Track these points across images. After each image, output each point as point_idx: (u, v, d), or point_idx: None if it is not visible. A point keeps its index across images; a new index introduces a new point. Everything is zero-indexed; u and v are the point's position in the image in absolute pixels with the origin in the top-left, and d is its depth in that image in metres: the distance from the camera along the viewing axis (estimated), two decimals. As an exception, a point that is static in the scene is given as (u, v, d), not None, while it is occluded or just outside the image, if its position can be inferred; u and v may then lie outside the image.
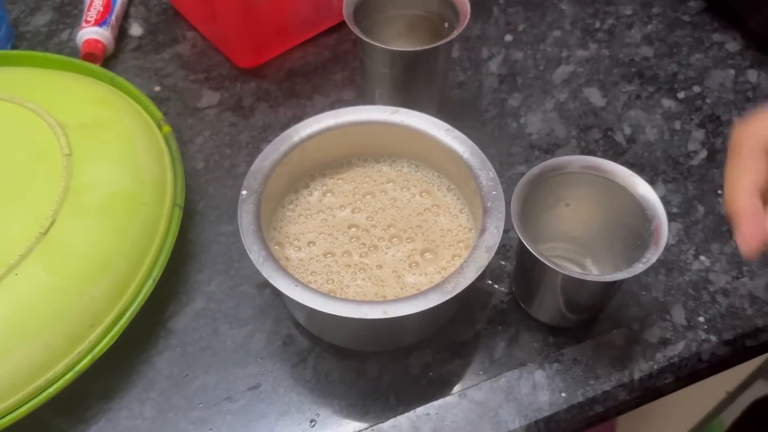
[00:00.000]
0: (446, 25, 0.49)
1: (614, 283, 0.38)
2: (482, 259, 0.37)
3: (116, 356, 0.41)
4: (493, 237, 0.38)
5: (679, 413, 0.86)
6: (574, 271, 0.37)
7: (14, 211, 0.41)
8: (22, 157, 0.43)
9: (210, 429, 0.39)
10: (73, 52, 0.58)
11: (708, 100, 0.55)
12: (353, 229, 0.43)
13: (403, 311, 0.35)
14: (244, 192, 0.40)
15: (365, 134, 0.44)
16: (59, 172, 0.42)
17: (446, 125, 0.43)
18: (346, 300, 0.36)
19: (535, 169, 0.40)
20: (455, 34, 0.45)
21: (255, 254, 0.37)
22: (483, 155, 0.42)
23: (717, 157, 0.52)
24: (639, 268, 0.36)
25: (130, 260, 0.41)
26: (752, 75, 0.57)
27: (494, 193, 0.40)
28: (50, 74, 0.51)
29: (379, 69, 0.48)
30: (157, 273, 0.42)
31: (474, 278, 0.36)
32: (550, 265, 0.36)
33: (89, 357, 0.39)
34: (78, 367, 0.38)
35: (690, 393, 0.82)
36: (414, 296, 0.36)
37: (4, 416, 0.37)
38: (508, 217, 0.38)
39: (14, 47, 0.58)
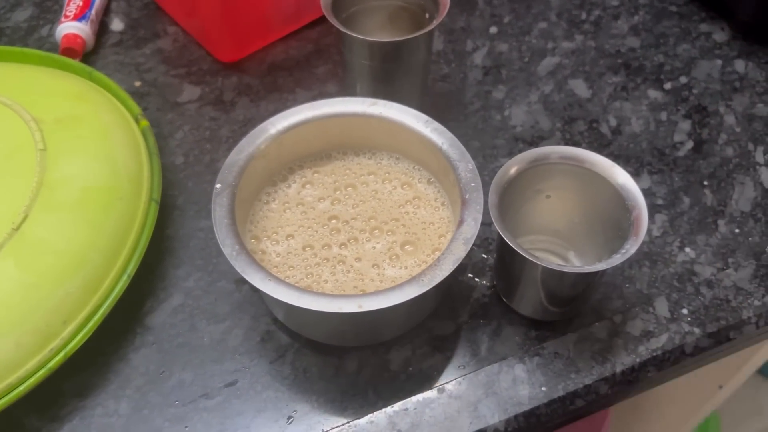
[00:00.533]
0: (427, 15, 0.48)
1: (595, 274, 0.38)
2: (459, 251, 0.37)
3: (91, 353, 0.40)
4: (471, 229, 0.37)
5: (672, 408, 0.86)
6: (552, 263, 0.36)
7: (-14, 207, 0.40)
8: (-5, 153, 0.43)
9: (186, 426, 0.39)
10: (54, 47, 0.57)
11: (695, 91, 0.55)
12: (333, 221, 0.42)
13: (378, 305, 0.35)
14: (218, 185, 0.39)
15: (344, 126, 0.44)
16: (33, 167, 0.41)
17: (425, 117, 0.43)
18: (320, 294, 0.36)
19: (514, 160, 0.39)
20: (434, 24, 0.45)
21: (228, 248, 0.37)
22: (462, 147, 0.41)
23: (703, 148, 0.51)
24: (618, 259, 0.35)
25: (104, 255, 0.40)
26: (740, 65, 0.56)
27: (473, 184, 0.39)
28: (27, 69, 0.50)
29: (360, 61, 0.47)
30: (132, 268, 0.41)
31: (451, 270, 0.36)
32: (529, 257, 0.36)
33: (62, 354, 0.38)
34: (51, 364, 0.38)
35: (683, 387, 0.81)
36: (390, 289, 0.35)
37: (-26, 414, 0.36)
38: (488, 210, 0.37)
39: (-7, 43, 0.57)
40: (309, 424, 0.38)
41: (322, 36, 0.58)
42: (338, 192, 0.44)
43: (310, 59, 0.57)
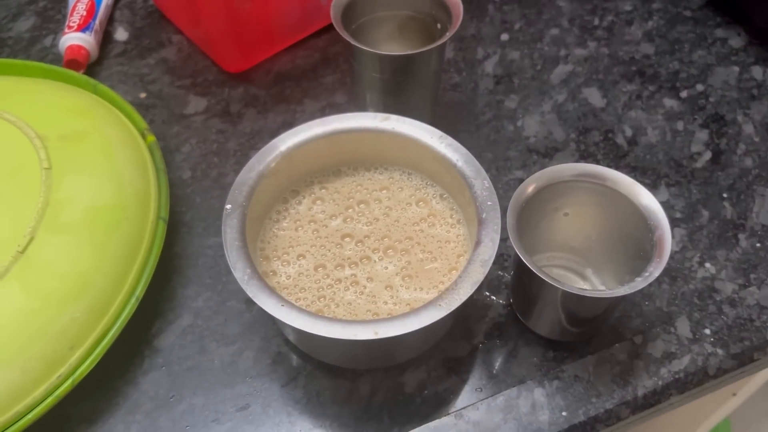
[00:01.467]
0: (438, 26, 0.47)
1: (616, 297, 0.37)
2: (477, 274, 0.36)
3: (99, 377, 0.39)
4: (488, 250, 0.36)
5: (684, 415, 0.85)
6: (572, 287, 0.35)
7: (-10, 229, 0.39)
8: (-1, 171, 0.42)
9: (197, 453, 0.38)
10: (57, 58, 0.56)
11: (711, 99, 0.53)
12: (346, 239, 0.41)
13: (394, 331, 0.34)
14: (228, 206, 0.38)
15: (355, 142, 0.43)
16: (38, 186, 0.40)
17: (439, 132, 0.41)
18: (334, 320, 0.35)
19: (532, 179, 0.38)
20: (447, 36, 0.44)
21: (239, 272, 0.36)
22: (477, 163, 0.40)
23: (722, 158, 0.50)
24: (641, 283, 0.34)
25: (111, 278, 0.39)
26: (757, 72, 0.55)
27: (489, 203, 0.38)
28: (30, 83, 0.49)
29: (370, 73, 0.46)
30: (140, 290, 0.40)
31: (469, 295, 0.35)
32: (548, 280, 0.35)
33: (70, 380, 0.37)
34: (58, 392, 0.37)
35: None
36: (406, 315, 0.34)
37: (-20, 444, 0.35)
38: (505, 226, 0.36)
39: (-5, 54, 0.56)
40: (323, 451, 0.38)
41: (329, 45, 0.57)
42: (350, 209, 0.43)
43: (317, 69, 0.56)
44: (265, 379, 0.40)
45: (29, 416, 0.36)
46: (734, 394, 0.77)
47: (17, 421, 0.36)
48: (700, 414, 0.84)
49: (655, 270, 0.34)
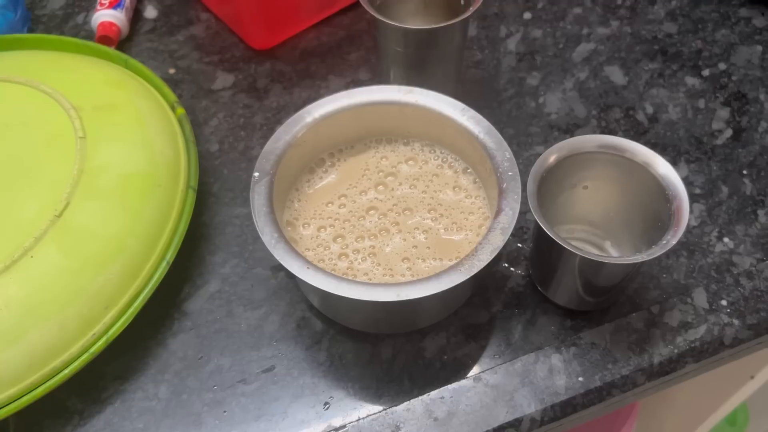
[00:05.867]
0: (462, 2, 0.47)
1: (633, 265, 0.37)
2: (497, 240, 0.36)
3: (131, 338, 0.41)
4: (508, 218, 0.37)
5: (702, 397, 0.85)
6: (590, 253, 0.36)
7: (29, 194, 0.41)
8: (36, 140, 0.43)
9: (224, 411, 0.39)
10: (89, 35, 0.58)
11: (734, 78, 0.54)
12: (371, 211, 0.42)
13: (416, 294, 0.35)
14: (256, 174, 0.39)
15: (379, 114, 0.44)
16: (73, 154, 0.42)
17: (461, 105, 0.42)
18: (358, 282, 0.36)
19: (553, 149, 0.39)
20: (471, 11, 0.44)
21: (267, 236, 0.37)
22: (499, 135, 0.41)
23: (743, 136, 0.50)
24: (658, 250, 0.35)
25: (144, 242, 0.41)
26: (781, 51, 0.55)
27: (510, 173, 0.39)
28: (65, 57, 0.51)
29: (394, 48, 0.47)
30: (171, 255, 0.42)
31: (489, 260, 0.36)
32: (567, 247, 0.36)
33: (104, 339, 0.39)
34: (93, 349, 0.38)
35: (713, 376, 0.81)
36: (427, 279, 0.35)
37: (21, 396, 0.37)
38: (524, 199, 0.37)
39: (30, 31, 0.58)
40: (346, 411, 0.39)
41: (354, 22, 0.58)
42: (373, 181, 0.44)
43: (342, 46, 0.57)
44: (290, 342, 0.42)
45: (66, 371, 0.38)
46: (752, 377, 0.77)
47: (55, 376, 0.38)
48: (717, 397, 0.84)
49: (672, 238, 0.35)
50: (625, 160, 0.39)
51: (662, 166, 0.37)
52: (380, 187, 0.43)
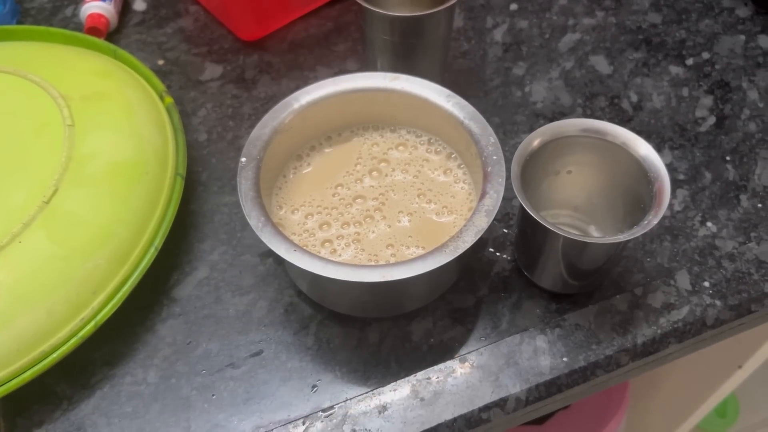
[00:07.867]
0: (448, -9, 0.48)
1: (617, 246, 0.38)
2: (482, 222, 0.37)
3: (120, 324, 0.41)
4: (493, 201, 0.38)
5: (691, 387, 0.86)
6: (573, 233, 0.36)
7: (17, 181, 0.41)
8: (25, 128, 0.44)
9: (213, 395, 0.40)
10: (78, 27, 0.58)
11: (717, 66, 0.54)
12: (358, 200, 0.43)
13: (401, 274, 0.35)
14: (243, 159, 0.40)
15: (366, 101, 0.44)
16: (61, 142, 0.42)
17: (447, 91, 0.43)
18: (344, 264, 0.36)
19: (536, 133, 0.39)
20: (456, -1, 0.45)
21: (254, 220, 0.37)
22: (484, 120, 0.41)
23: (726, 123, 0.51)
24: (640, 230, 0.35)
25: (132, 228, 0.41)
26: (763, 41, 0.56)
27: (495, 158, 0.40)
28: (53, 48, 0.51)
29: (380, 36, 0.47)
30: (159, 241, 0.42)
31: (474, 241, 0.36)
32: (551, 228, 0.36)
33: (92, 323, 0.39)
34: (82, 333, 0.39)
35: (701, 365, 0.81)
36: (412, 260, 0.36)
37: (9, 380, 0.37)
38: (510, 185, 0.38)
39: (19, 23, 0.58)
40: (333, 393, 0.39)
41: (342, 14, 0.59)
42: (359, 167, 0.44)
43: (330, 37, 0.57)
44: (278, 327, 0.42)
45: (54, 355, 0.38)
46: (740, 367, 0.77)
47: (43, 360, 0.38)
48: (705, 388, 0.84)
49: (654, 218, 0.36)
50: (608, 144, 0.39)
51: (643, 148, 0.38)
52: (368, 174, 0.44)
